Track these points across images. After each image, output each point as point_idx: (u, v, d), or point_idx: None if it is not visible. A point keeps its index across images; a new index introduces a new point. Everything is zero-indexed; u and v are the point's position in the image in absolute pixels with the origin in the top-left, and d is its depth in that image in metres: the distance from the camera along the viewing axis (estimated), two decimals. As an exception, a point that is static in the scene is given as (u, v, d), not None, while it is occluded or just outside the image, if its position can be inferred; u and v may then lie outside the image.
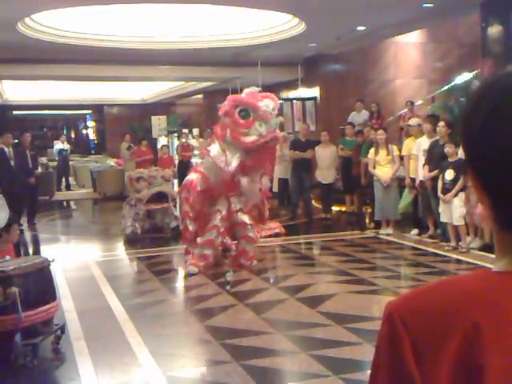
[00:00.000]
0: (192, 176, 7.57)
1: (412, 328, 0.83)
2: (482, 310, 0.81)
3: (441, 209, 7.94)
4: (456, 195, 7.67)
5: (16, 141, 11.94)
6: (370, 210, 10.20)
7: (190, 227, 7.39)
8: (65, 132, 28.93)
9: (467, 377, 0.79)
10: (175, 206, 9.73)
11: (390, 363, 0.85)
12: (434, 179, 8.08)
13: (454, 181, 7.67)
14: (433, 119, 8.81)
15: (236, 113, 6.89)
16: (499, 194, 0.84)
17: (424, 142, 8.58)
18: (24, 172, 10.98)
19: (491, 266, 0.88)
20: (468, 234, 7.93)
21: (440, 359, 0.81)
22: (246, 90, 7.24)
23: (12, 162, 10.72)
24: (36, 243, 10.33)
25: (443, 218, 7.97)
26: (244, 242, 7.39)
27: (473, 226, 7.94)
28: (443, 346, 0.81)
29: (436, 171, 8.03)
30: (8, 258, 4.92)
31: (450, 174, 7.70)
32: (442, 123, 8.13)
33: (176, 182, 13.00)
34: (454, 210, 7.69)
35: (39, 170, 11.96)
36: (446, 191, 7.76)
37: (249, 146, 6.83)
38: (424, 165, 8.35)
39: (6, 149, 10.64)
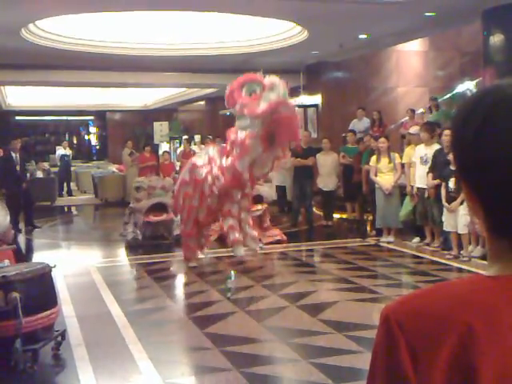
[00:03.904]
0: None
1: (408, 330, 0.85)
2: (475, 312, 0.83)
3: (444, 217, 7.90)
4: (461, 203, 7.64)
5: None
6: (371, 217, 10.19)
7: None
8: (67, 138, 28.96)
9: (462, 378, 0.80)
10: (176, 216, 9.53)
11: (386, 365, 0.87)
12: (437, 187, 8.08)
13: (458, 189, 7.63)
14: (429, 127, 8.82)
15: (243, 94, 6.89)
16: (491, 202, 0.86)
17: (421, 150, 8.60)
18: (12, 178, 10.96)
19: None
20: (470, 243, 7.91)
21: (435, 361, 0.82)
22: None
23: (18, 168, 10.85)
24: (37, 249, 10.33)
25: (447, 227, 7.92)
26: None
27: (475, 234, 7.91)
28: (438, 347, 0.82)
29: (438, 180, 8.03)
30: (7, 262, 4.90)
31: (453, 182, 7.68)
32: (446, 131, 8.11)
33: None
34: (460, 218, 7.64)
35: (28, 176, 12.01)
36: (450, 200, 7.73)
37: (263, 113, 6.74)
38: (428, 173, 8.35)
39: (13, 154, 10.75)
